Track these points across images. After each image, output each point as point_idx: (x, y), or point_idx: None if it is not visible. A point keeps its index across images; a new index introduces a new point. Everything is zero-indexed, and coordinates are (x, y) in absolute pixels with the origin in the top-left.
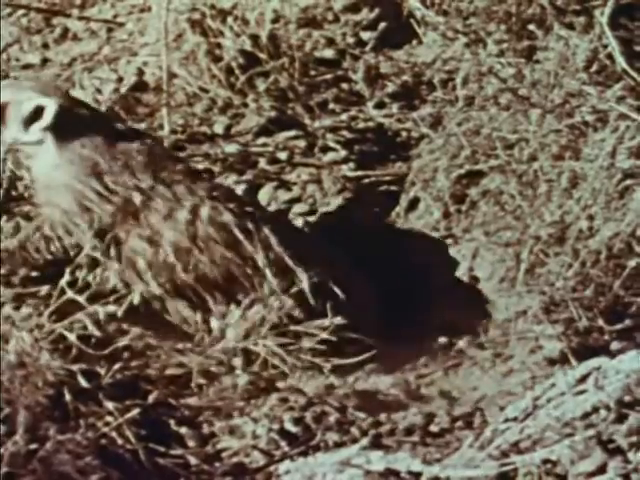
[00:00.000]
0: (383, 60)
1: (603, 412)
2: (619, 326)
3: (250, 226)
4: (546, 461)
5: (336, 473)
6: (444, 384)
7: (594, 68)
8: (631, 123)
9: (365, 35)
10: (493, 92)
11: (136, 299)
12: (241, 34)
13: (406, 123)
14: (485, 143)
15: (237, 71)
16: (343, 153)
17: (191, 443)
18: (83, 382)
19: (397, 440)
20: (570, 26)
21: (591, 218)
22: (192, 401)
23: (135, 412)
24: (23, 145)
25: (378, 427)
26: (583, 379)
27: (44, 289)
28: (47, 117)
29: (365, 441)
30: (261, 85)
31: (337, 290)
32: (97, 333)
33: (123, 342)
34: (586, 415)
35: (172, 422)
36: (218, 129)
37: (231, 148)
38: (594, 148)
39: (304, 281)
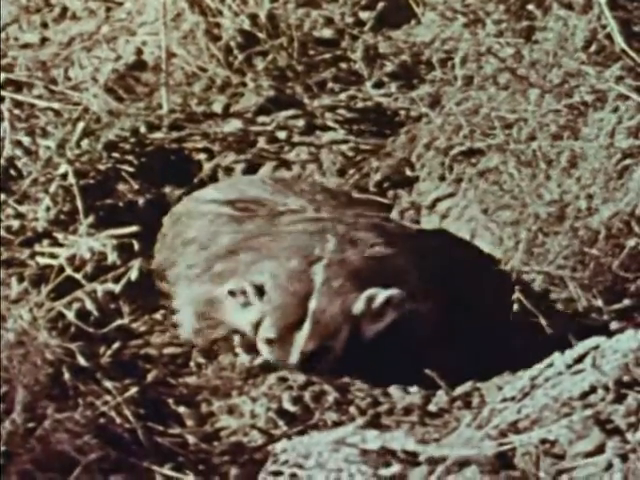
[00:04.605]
0: (382, 40)
1: (601, 392)
2: (618, 306)
3: None
4: (544, 441)
5: (332, 452)
6: None
7: (593, 48)
8: (630, 103)
9: (364, 15)
10: (492, 72)
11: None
12: (240, 13)
13: (405, 102)
14: (484, 123)
15: (236, 50)
16: (342, 132)
17: (190, 422)
18: (82, 361)
19: (395, 420)
20: (569, 6)
21: (590, 197)
22: (191, 380)
23: (134, 391)
24: None
25: (377, 407)
26: (580, 359)
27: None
28: None
29: (361, 420)
30: (260, 64)
31: None
32: (95, 312)
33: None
34: (584, 395)
35: (171, 401)
36: (217, 108)
37: (230, 127)
38: (593, 128)
39: None
